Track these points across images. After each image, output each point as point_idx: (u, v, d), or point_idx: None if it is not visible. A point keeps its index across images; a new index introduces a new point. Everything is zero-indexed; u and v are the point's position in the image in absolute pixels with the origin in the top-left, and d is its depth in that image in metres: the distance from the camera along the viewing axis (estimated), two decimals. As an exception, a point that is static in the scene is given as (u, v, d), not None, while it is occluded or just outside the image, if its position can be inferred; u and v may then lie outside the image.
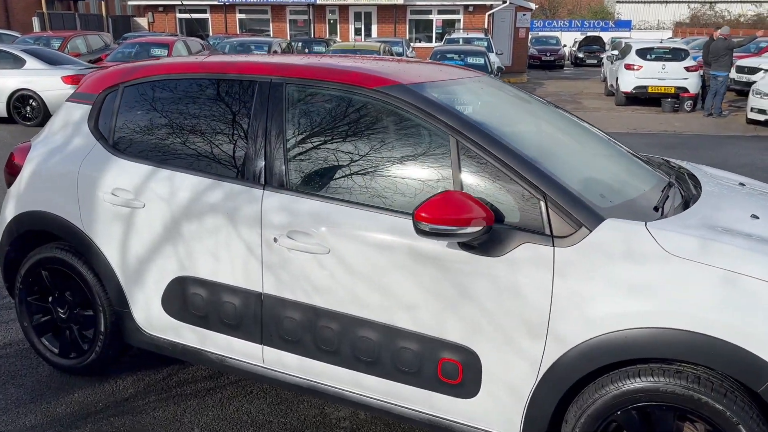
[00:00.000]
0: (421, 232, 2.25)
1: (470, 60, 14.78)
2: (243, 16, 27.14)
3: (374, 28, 26.08)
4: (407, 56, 19.33)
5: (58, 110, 3.34)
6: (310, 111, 2.73)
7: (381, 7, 25.69)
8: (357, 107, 2.66)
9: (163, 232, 2.86)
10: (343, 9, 26.12)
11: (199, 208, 2.77)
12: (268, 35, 25.34)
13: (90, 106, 3.16)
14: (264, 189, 2.68)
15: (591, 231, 2.22)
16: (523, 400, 2.36)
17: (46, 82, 11.87)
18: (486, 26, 24.56)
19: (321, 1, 25.35)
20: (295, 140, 2.69)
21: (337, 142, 2.63)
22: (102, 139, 3.07)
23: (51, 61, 12.35)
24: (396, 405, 2.57)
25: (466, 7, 25.27)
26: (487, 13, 25.05)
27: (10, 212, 3.30)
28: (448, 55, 15.30)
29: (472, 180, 2.40)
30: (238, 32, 25.96)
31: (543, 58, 31.77)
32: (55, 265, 3.21)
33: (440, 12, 25.91)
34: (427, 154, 2.52)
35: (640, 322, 2.12)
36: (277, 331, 2.70)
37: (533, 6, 29.17)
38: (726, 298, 2.05)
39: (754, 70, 17.08)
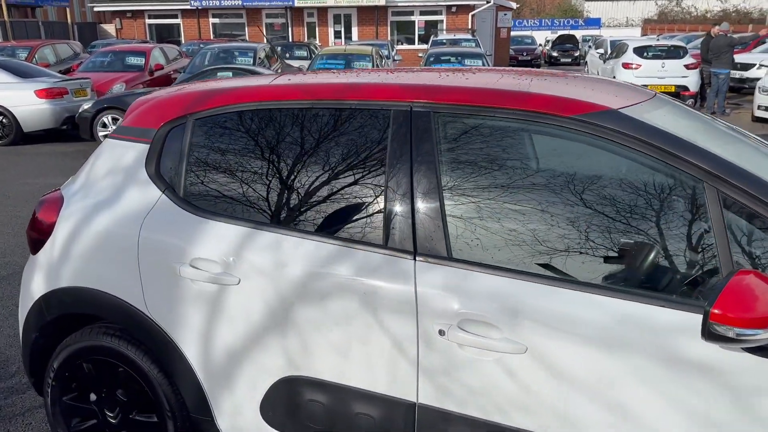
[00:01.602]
0: (718, 338, 1.54)
1: (468, 62, 14.15)
2: (216, 20, 26.12)
3: (354, 30, 25.34)
4: (393, 59, 18.61)
5: (98, 150, 2.53)
6: (472, 148, 2.00)
7: (361, 9, 24.96)
8: (544, 143, 1.95)
9: (266, 318, 2.10)
10: (322, 11, 25.31)
11: (319, 286, 2.02)
12: (244, 40, 24.38)
13: (146, 145, 2.37)
14: (415, 259, 1.95)
15: None
16: None
17: (18, 97, 10.85)
18: (470, 26, 24.03)
19: (299, 4, 24.48)
20: (454, 190, 1.96)
21: (519, 192, 1.90)
22: (169, 190, 2.29)
23: (21, 73, 11.30)
24: None
25: (448, 7, 24.71)
26: (471, 13, 24.53)
27: (39, 287, 2.48)
28: (443, 57, 14.65)
29: (750, 251, 1.72)
30: (212, 37, 24.93)
31: (520, 58, 31.33)
32: (102, 356, 2.42)
33: (422, 13, 25.30)
34: (663, 208, 1.81)
35: None
36: None
37: (514, 5, 28.80)
38: None
39: (747, 66, 16.86)
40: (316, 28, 25.69)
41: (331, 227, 2.07)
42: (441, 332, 1.87)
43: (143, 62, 14.39)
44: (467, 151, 2.00)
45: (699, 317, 1.67)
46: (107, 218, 2.33)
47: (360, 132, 2.10)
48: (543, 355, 1.78)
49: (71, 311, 2.43)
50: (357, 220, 2.05)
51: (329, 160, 2.12)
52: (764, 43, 18.49)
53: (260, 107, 2.24)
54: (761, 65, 16.13)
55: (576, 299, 1.77)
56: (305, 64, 18.37)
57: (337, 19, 25.48)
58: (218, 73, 11.16)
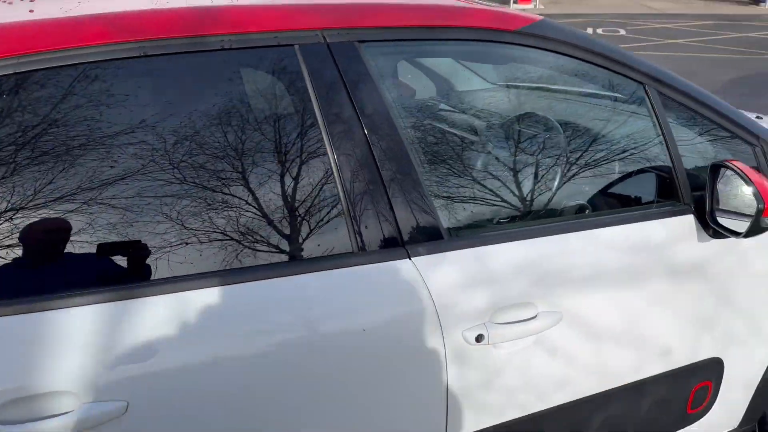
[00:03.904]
0: (761, 230, 1.58)
1: None
2: None
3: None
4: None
5: None
6: (423, 86, 1.67)
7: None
8: (495, 66, 1.71)
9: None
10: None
11: (272, 354, 1.27)
12: None
13: None
14: (409, 255, 1.38)
15: None
16: (752, 387, 1.93)
17: None
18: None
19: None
20: (424, 147, 1.55)
21: (506, 131, 1.65)
22: None
23: None
24: None
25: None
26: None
27: None
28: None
29: (685, 142, 1.75)
30: None
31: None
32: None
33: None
34: (616, 119, 1.76)
35: None
36: None
37: None
38: None
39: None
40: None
41: (252, 250, 1.29)
42: (479, 337, 1.42)
43: None
44: (418, 90, 1.65)
45: (690, 218, 1.68)
46: None
47: (248, 86, 1.37)
48: (578, 316, 1.57)
49: None
50: (299, 227, 1.35)
51: (204, 147, 1.28)
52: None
53: (25, 67, 1.16)
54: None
55: (586, 238, 1.59)
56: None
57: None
58: None
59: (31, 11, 1.30)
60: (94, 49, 1.20)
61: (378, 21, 1.45)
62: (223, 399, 1.21)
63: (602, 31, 13.47)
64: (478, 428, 1.50)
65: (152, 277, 1.21)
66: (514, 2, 22.34)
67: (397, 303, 1.35)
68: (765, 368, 1.93)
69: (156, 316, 1.18)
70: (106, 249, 1.20)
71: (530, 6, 21.43)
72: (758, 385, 1.94)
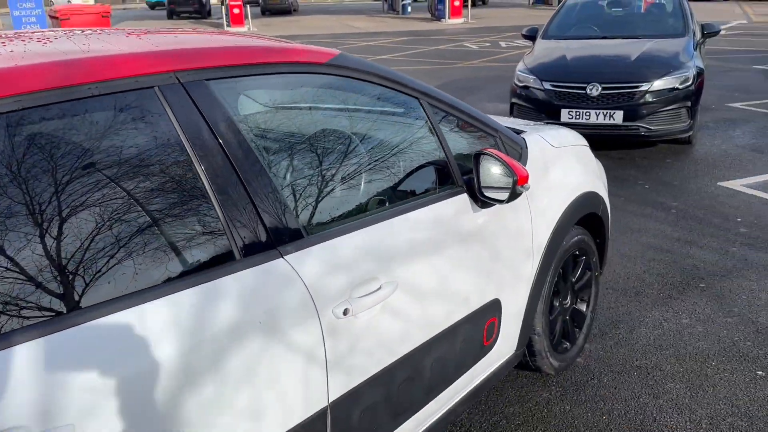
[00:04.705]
0: (516, 196, 2.17)
1: None
2: None
3: None
4: None
5: None
6: (265, 112, 1.94)
7: None
8: (312, 92, 2.05)
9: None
10: None
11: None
12: None
13: None
14: (282, 255, 1.66)
15: (527, 150, 2.64)
16: (520, 318, 2.59)
17: None
18: None
19: None
20: (274, 162, 1.82)
21: (318, 143, 2.00)
22: None
23: None
24: (447, 409, 2.31)
25: None
26: None
27: None
28: None
29: (446, 135, 2.30)
30: None
31: None
32: None
33: None
34: (406, 127, 2.22)
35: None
36: None
37: None
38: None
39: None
40: None
41: (150, 274, 1.43)
42: (346, 311, 1.75)
43: None
44: (263, 116, 1.92)
45: (464, 196, 2.22)
46: None
47: (122, 126, 1.49)
48: (407, 282, 1.98)
49: None
50: (189, 247, 1.52)
51: (90, 183, 1.40)
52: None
53: None
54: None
55: (405, 223, 2.02)
56: None
57: None
58: None
59: None
60: None
61: (218, 61, 1.72)
62: (148, 406, 1.36)
63: (318, 51, 14.45)
64: (350, 388, 1.83)
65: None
66: (228, 25, 22.76)
67: (280, 295, 1.61)
68: (526, 303, 2.58)
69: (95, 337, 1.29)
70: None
71: (243, 29, 22.03)
72: (523, 317, 2.59)
